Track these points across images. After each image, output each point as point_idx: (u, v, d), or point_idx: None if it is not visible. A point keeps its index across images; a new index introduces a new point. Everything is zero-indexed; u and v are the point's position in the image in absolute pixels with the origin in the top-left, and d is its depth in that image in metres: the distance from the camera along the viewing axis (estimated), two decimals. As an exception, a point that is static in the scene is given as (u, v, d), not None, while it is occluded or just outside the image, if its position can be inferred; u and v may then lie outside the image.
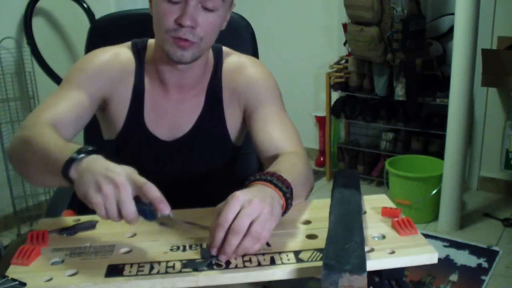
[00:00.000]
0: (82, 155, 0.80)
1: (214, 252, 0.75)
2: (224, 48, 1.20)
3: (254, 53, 1.41)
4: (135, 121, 1.13)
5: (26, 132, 0.93)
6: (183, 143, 1.16)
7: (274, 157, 1.04)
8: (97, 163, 0.78)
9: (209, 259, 0.75)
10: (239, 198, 0.76)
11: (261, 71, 1.17)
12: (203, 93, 1.15)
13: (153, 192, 0.75)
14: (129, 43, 1.16)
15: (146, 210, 0.76)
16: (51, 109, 1.00)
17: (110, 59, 1.11)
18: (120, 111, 1.13)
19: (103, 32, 1.41)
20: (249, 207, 0.75)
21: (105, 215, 0.76)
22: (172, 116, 1.14)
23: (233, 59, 1.18)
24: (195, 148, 1.16)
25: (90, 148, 0.82)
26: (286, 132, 1.10)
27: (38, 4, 2.67)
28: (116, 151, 1.17)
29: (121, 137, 1.14)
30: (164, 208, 0.75)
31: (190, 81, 1.13)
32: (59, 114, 1.00)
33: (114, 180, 0.75)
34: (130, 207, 0.75)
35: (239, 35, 1.41)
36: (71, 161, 0.79)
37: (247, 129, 1.16)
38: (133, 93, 1.13)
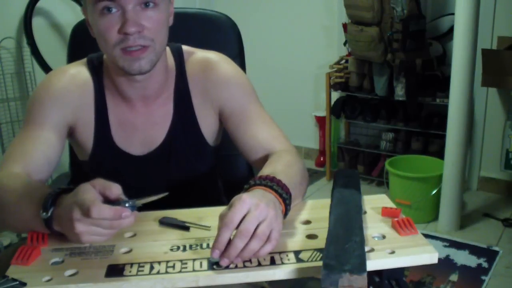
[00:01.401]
0: (50, 211, 0.79)
1: (215, 254, 0.73)
2: (184, 47, 1.13)
3: (240, 53, 1.39)
4: (104, 142, 1.09)
5: None
6: (159, 155, 1.12)
7: (264, 158, 1.03)
8: (62, 209, 0.78)
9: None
10: (246, 201, 0.75)
11: (231, 69, 1.11)
12: (170, 100, 1.10)
13: (105, 213, 0.73)
14: (85, 60, 1.10)
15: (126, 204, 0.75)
16: (21, 157, 0.98)
17: (66, 84, 1.06)
18: (87, 134, 1.09)
19: (86, 33, 1.38)
20: (256, 211, 0.74)
21: (105, 238, 0.78)
22: (142, 130, 1.10)
23: (197, 58, 1.12)
24: (172, 157, 1.13)
25: (53, 196, 0.80)
26: (271, 131, 1.08)
27: (38, 4, 2.67)
28: (92, 171, 1.13)
29: (93, 159, 1.11)
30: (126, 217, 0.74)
31: (153, 90, 1.07)
32: (30, 161, 0.98)
33: (73, 218, 0.74)
34: (103, 222, 0.74)
35: (225, 36, 1.40)
36: (46, 221, 0.80)
37: (226, 130, 1.13)
38: (96, 114, 1.08)
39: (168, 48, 1.10)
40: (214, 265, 0.75)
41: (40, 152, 1.00)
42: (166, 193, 0.80)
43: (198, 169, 1.17)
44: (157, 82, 1.06)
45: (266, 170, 0.92)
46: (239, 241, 0.73)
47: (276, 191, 0.83)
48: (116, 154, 1.10)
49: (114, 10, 0.93)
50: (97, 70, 1.08)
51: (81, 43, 1.35)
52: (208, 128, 1.13)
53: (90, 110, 1.08)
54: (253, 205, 0.75)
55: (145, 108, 1.09)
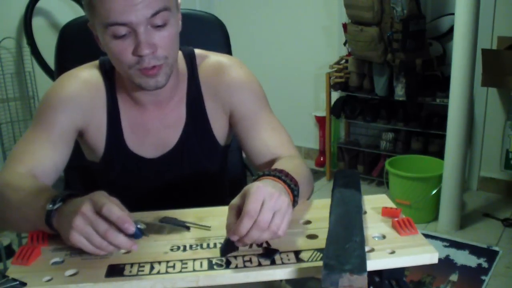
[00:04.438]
0: (57, 205, 0.80)
1: (234, 238, 0.74)
2: (197, 51, 1.13)
3: (228, 53, 1.38)
4: (115, 146, 1.09)
5: (2, 188, 0.91)
6: (172, 158, 1.12)
7: (270, 163, 1.03)
8: (69, 205, 0.78)
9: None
10: (262, 189, 0.75)
11: (243, 73, 1.11)
12: (183, 103, 1.11)
13: (114, 213, 0.74)
14: (96, 63, 1.10)
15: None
16: (28, 159, 0.98)
17: (77, 89, 1.05)
18: (98, 137, 1.09)
19: (74, 34, 1.35)
20: (271, 201, 0.75)
21: (94, 249, 0.75)
22: (155, 134, 1.10)
23: (209, 62, 1.12)
24: (185, 159, 1.13)
25: (65, 194, 0.82)
26: (280, 137, 1.08)
27: (38, 4, 2.67)
28: (102, 173, 1.14)
29: (104, 161, 1.11)
30: (128, 228, 0.74)
31: (165, 95, 1.07)
32: (37, 164, 0.98)
33: (79, 211, 0.74)
34: (102, 225, 0.74)
35: (213, 36, 1.39)
36: (49, 214, 0.80)
37: (235, 133, 1.13)
38: (108, 117, 1.08)
39: (180, 52, 1.10)
40: (215, 265, 0.75)
41: (48, 156, 1.00)
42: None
43: (209, 168, 1.18)
44: (168, 86, 1.05)
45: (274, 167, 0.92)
46: (256, 233, 0.74)
47: (284, 182, 0.83)
48: (128, 157, 1.10)
49: (126, 33, 0.92)
50: (109, 74, 1.08)
51: (69, 45, 1.35)
52: (220, 129, 1.14)
53: (102, 114, 1.08)
54: (268, 194, 0.75)
55: (158, 112, 1.09)
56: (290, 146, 1.08)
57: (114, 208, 0.74)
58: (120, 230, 0.74)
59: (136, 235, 0.76)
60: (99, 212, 0.74)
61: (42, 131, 1.02)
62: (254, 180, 0.85)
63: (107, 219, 0.74)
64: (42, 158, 0.99)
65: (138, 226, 0.76)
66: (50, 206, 0.80)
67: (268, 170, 0.86)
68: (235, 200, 0.77)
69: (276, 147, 1.06)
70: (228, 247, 0.77)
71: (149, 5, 0.90)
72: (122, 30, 0.91)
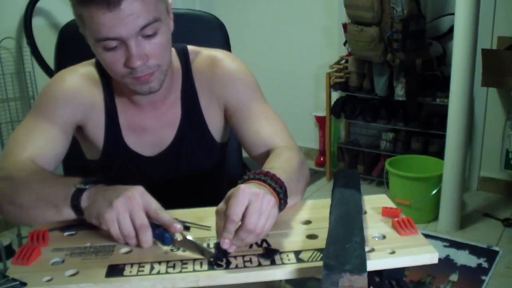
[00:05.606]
0: (89, 185, 0.84)
1: (226, 245, 0.75)
2: (190, 47, 1.14)
3: None
4: (114, 143, 1.11)
5: (9, 173, 0.92)
6: (168, 155, 1.14)
7: (265, 154, 1.04)
8: (107, 188, 0.82)
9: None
10: (246, 191, 0.76)
11: (235, 65, 1.12)
12: (178, 101, 1.12)
13: (165, 216, 0.79)
14: (93, 61, 1.10)
15: (163, 234, 0.80)
16: (27, 146, 0.99)
17: (78, 84, 1.06)
18: (97, 134, 1.10)
19: (73, 34, 1.34)
20: (257, 202, 0.76)
21: (119, 233, 0.79)
22: (152, 132, 1.12)
23: (202, 57, 1.13)
24: (182, 157, 1.15)
25: (95, 179, 0.86)
26: (274, 126, 1.08)
27: (38, 4, 2.67)
28: (102, 170, 1.16)
29: (104, 158, 1.13)
30: (177, 227, 0.79)
31: (160, 95, 1.08)
32: (37, 152, 0.98)
33: (125, 193, 0.78)
34: (142, 217, 0.78)
35: (212, 35, 1.40)
36: (79, 192, 0.83)
37: (231, 126, 1.14)
38: (106, 115, 1.09)
39: (173, 50, 1.10)
40: (215, 265, 0.75)
41: (49, 146, 1.01)
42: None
43: (206, 166, 1.18)
44: (163, 87, 1.06)
45: (264, 167, 0.93)
46: (245, 235, 0.75)
47: (270, 185, 0.83)
48: (127, 155, 1.12)
49: (116, 45, 0.92)
50: (106, 73, 1.08)
51: (69, 45, 1.35)
52: (215, 125, 1.15)
53: (100, 112, 1.09)
54: (253, 195, 0.76)
55: (154, 112, 1.11)
56: (285, 135, 1.08)
57: (166, 213, 0.80)
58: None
59: (166, 240, 0.80)
60: (148, 211, 0.79)
61: (43, 121, 1.03)
62: (240, 183, 0.85)
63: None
64: (43, 148, 1.00)
65: (175, 237, 0.80)
66: (82, 185, 0.84)
67: (253, 173, 0.86)
68: (221, 205, 0.78)
69: (270, 137, 1.06)
70: (220, 252, 0.77)
71: (138, 18, 0.90)
72: (113, 43, 0.92)
